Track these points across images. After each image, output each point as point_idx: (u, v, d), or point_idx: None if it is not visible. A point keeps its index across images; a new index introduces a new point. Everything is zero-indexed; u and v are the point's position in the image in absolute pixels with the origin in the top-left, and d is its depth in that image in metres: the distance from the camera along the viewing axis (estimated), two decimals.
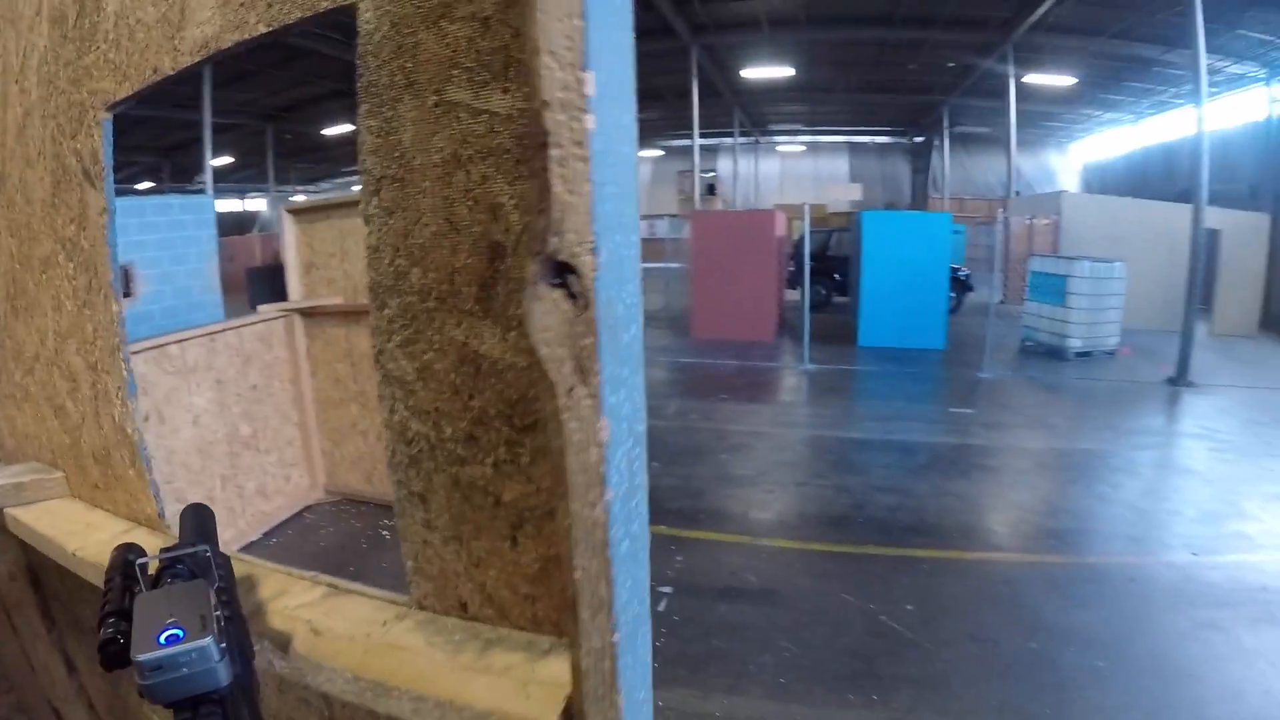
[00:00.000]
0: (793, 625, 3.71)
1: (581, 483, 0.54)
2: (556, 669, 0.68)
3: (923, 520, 4.96)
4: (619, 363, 0.54)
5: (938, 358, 10.30)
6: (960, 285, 13.70)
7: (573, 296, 0.50)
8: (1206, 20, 9.15)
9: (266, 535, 4.94)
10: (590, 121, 0.48)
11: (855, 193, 23.16)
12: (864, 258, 10.85)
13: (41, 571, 1.44)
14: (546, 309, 0.50)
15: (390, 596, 0.85)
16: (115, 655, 0.65)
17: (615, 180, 0.52)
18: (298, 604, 0.85)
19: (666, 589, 4.07)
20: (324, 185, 31.46)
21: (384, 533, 4.65)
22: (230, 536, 4.64)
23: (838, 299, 13.88)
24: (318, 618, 0.82)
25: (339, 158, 27.87)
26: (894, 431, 6.91)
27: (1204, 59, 9.21)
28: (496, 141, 0.62)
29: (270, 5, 0.77)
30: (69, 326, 1.15)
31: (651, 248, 18.66)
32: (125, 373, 1.07)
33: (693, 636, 3.64)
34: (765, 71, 18.91)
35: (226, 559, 0.77)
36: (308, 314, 4.83)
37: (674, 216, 22.72)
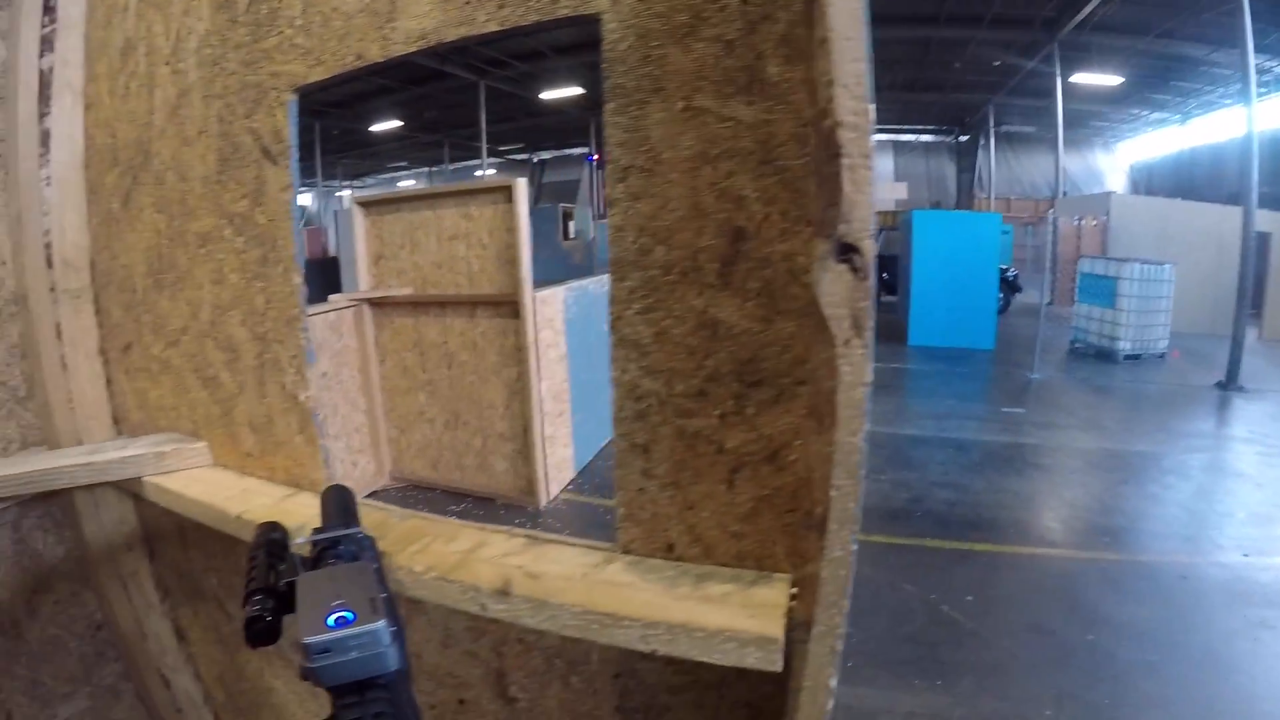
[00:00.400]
0: (856, 612, 3.82)
1: (848, 416, 0.72)
2: (768, 594, 0.86)
3: (979, 515, 5.26)
4: (873, 321, 0.73)
5: (987, 358, 10.79)
6: (1008, 286, 14.17)
7: (855, 270, 0.68)
8: (1254, 20, 9.54)
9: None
10: (872, 139, 0.67)
11: (901, 191, 23.90)
12: (914, 257, 11.38)
13: (157, 542, 1.61)
14: (834, 278, 0.68)
15: (591, 544, 1.02)
16: (262, 632, 0.71)
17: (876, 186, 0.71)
18: (502, 553, 1.00)
19: None
20: (369, 181, 32.08)
21: (451, 519, 4.87)
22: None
23: (886, 298, 14.27)
24: (528, 563, 0.97)
25: (385, 154, 29.06)
26: (948, 429, 7.30)
27: (1252, 59, 9.56)
28: (741, 144, 0.81)
29: (502, 5, 0.94)
30: (232, 299, 1.31)
31: None
32: (303, 341, 1.24)
33: None
34: None
35: (373, 541, 0.87)
36: (377, 304, 5.15)
37: None
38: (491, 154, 26.01)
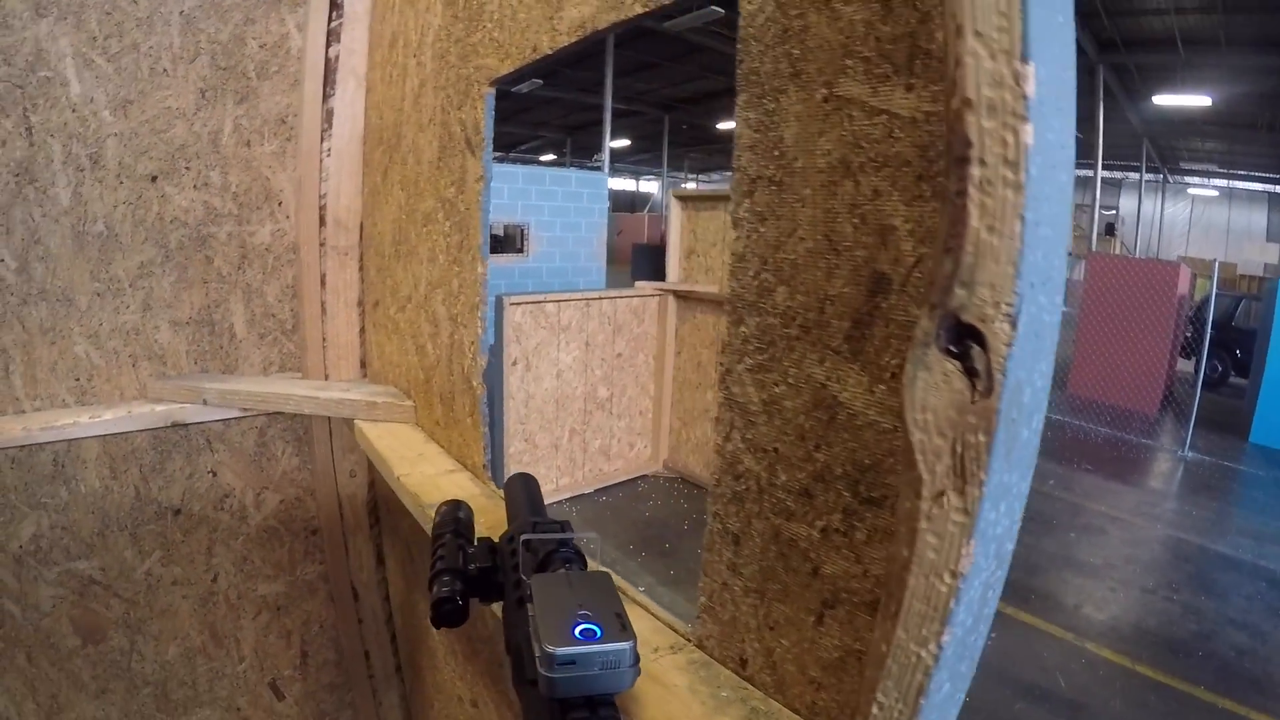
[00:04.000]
0: None
1: (918, 612, 0.44)
2: None
3: (1270, 676, 4.00)
4: (1009, 467, 0.43)
5: None
6: None
7: (971, 373, 0.40)
8: None
9: (599, 492, 5.52)
10: (1029, 133, 0.37)
11: (1272, 254, 19.28)
12: (1275, 335, 8.85)
13: (378, 475, 1.71)
14: (933, 383, 0.40)
15: (672, 621, 0.83)
16: (450, 614, 0.70)
17: (1049, 220, 0.41)
18: None
19: None
20: (714, 176, 34.01)
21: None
22: (565, 484, 5.35)
23: (1234, 379, 11.55)
24: None
25: (730, 151, 30.16)
26: (1268, 556, 5.64)
27: None
28: (895, 150, 0.54)
29: None
30: (439, 278, 1.30)
31: None
32: (480, 330, 1.18)
33: None
34: (1178, 99, 16.21)
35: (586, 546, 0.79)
36: (682, 296, 5.26)
37: (1068, 255, 20.81)
38: None
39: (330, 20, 1.52)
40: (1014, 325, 0.38)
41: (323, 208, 1.58)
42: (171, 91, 1.46)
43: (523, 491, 0.85)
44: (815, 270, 0.60)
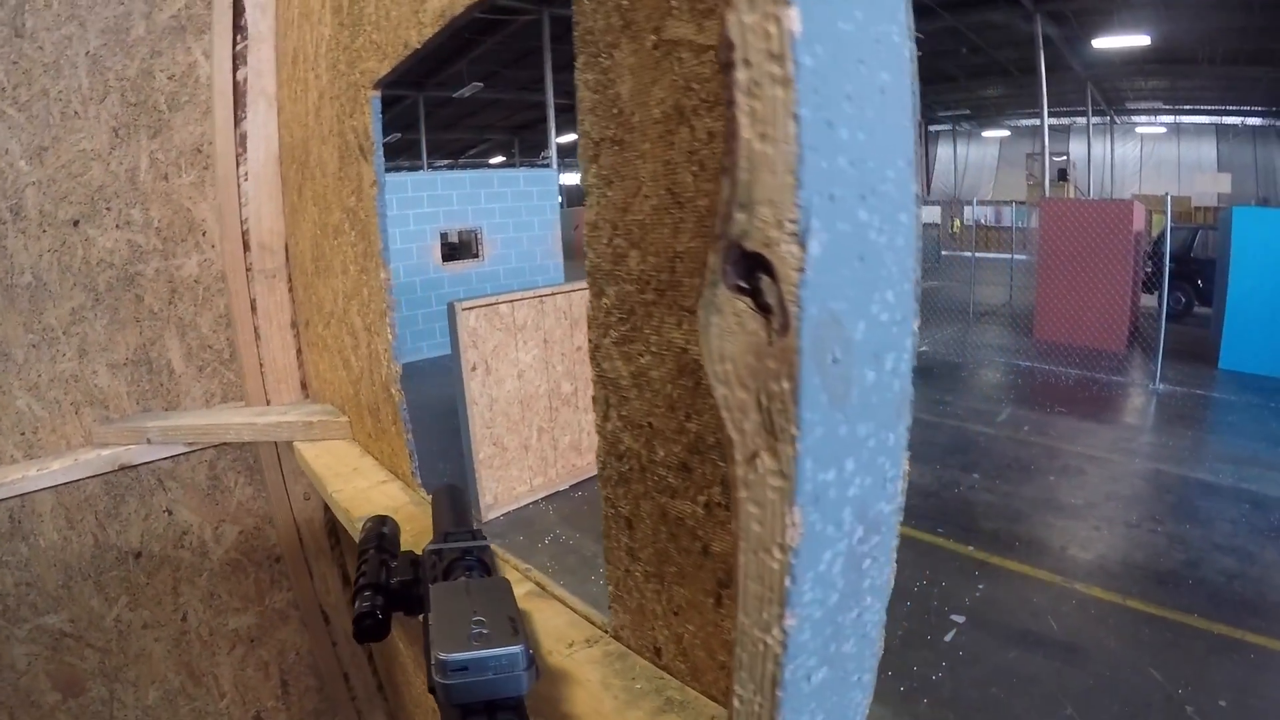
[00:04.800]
0: (1085, 692, 3.23)
1: (755, 593, 0.39)
2: None
3: (1263, 597, 3.98)
4: (848, 418, 0.37)
5: None
6: None
7: (764, 309, 0.34)
8: None
9: (574, 487, 5.47)
10: (793, 18, 0.31)
11: (1224, 184, 19.37)
12: (1234, 263, 8.87)
13: None
14: (727, 327, 0.35)
15: (589, 614, 0.78)
16: (370, 629, 0.68)
17: (853, 121, 0.35)
18: None
19: (959, 618, 3.79)
20: None
21: None
22: (540, 483, 5.26)
23: (1199, 309, 11.58)
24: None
25: None
26: (1249, 479, 5.61)
27: None
28: None
29: None
30: (352, 289, 1.25)
31: (998, 236, 17.92)
32: (390, 337, 1.13)
33: (973, 679, 3.32)
34: (1118, 41, 16.17)
35: (494, 552, 0.77)
36: None
37: (1021, 204, 20.80)
38: None
39: (235, 44, 1.47)
40: (803, 245, 0.32)
41: (245, 233, 1.53)
42: (85, 134, 1.41)
43: (446, 502, 0.84)
44: (662, 228, 0.55)
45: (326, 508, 1.66)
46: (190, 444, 1.47)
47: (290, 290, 1.58)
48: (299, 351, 1.62)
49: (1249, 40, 15.46)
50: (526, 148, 28.21)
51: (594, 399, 0.66)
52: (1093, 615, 3.86)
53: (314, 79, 1.28)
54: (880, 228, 0.37)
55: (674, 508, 0.60)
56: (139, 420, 1.45)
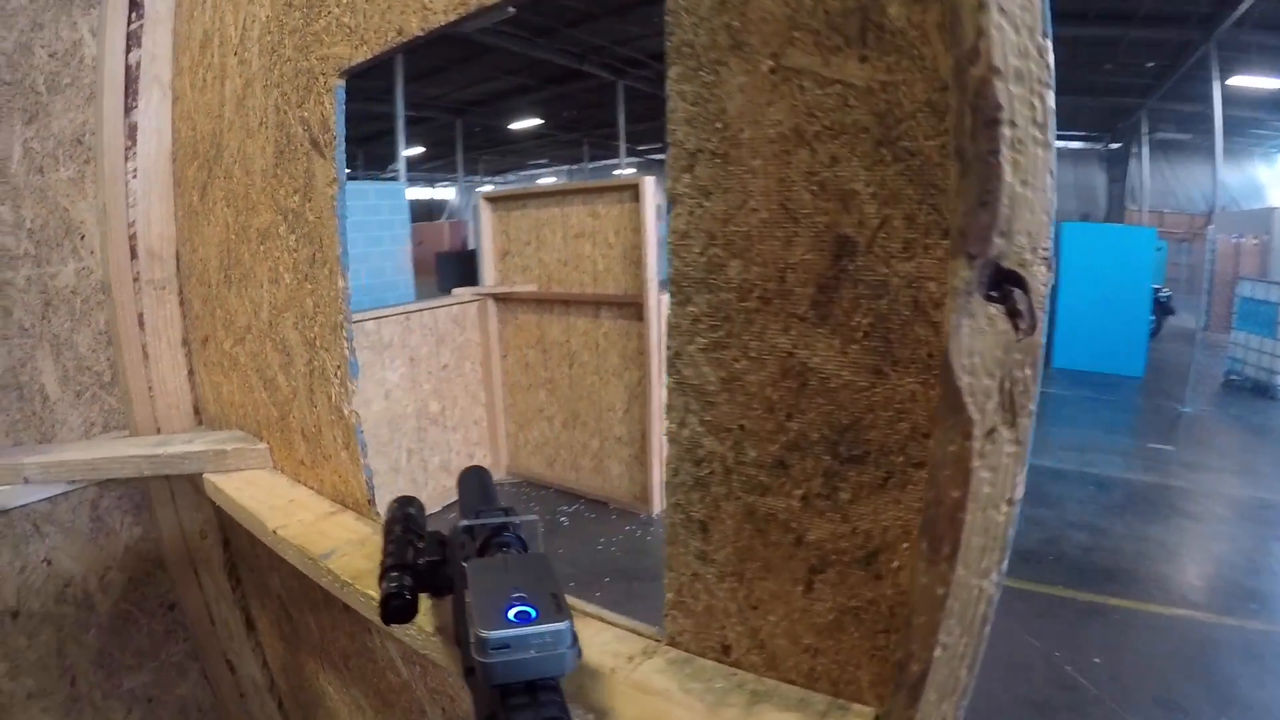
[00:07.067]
0: None
1: (978, 546, 0.45)
2: None
3: (1117, 565, 4.60)
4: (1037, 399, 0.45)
5: (1135, 386, 9.60)
6: (1161, 308, 12.65)
7: (1014, 315, 0.41)
8: None
9: (447, 509, 5.17)
10: (1051, 98, 0.41)
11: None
12: (1062, 273, 10.23)
13: (231, 531, 1.52)
14: (978, 328, 0.41)
15: (634, 626, 0.78)
16: (398, 610, 0.66)
17: (1053, 178, 0.44)
18: None
19: None
20: (510, 177, 33.15)
21: (562, 519, 4.84)
22: None
23: None
24: None
25: (524, 151, 29.29)
26: (1090, 464, 6.48)
27: None
28: (851, 118, 0.54)
29: None
30: (286, 300, 1.16)
31: None
32: (347, 352, 1.06)
33: None
34: None
35: (538, 527, 0.74)
36: (501, 299, 5.07)
37: None
38: (630, 153, 25.64)
39: (130, 23, 1.31)
40: (1050, 268, 0.40)
41: (133, 237, 1.36)
42: None
43: (476, 482, 0.81)
44: (772, 240, 0.59)
45: (226, 545, 1.51)
46: (73, 482, 1.28)
47: (182, 304, 1.44)
48: (191, 372, 1.47)
49: (1073, 74, 17.93)
50: (371, 160, 27.01)
51: (669, 406, 0.68)
52: None
53: (237, 64, 1.18)
54: (1050, 256, 0.44)
55: (764, 505, 0.63)
56: (12, 455, 1.24)
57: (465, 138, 24.93)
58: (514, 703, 0.50)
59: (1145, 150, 22.79)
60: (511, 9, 0.79)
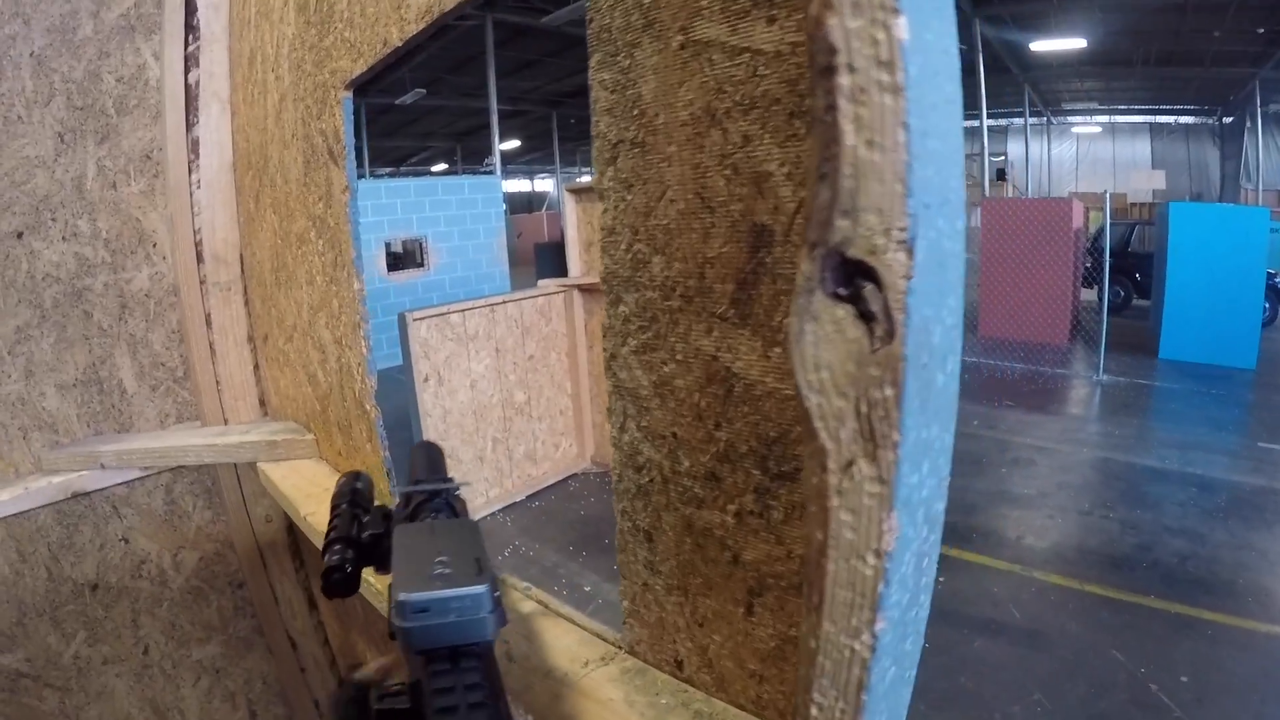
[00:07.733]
0: (1051, 676, 3.32)
1: (844, 601, 0.39)
2: None
3: (1215, 575, 4.15)
4: (927, 421, 0.38)
5: (1246, 379, 8.59)
6: (1276, 294, 11.20)
7: (867, 317, 0.34)
8: None
9: (530, 497, 5.36)
10: (902, 27, 0.32)
11: (1158, 181, 20.33)
12: (1170, 256, 9.30)
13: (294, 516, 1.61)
14: (824, 335, 0.35)
15: (601, 630, 0.76)
16: (340, 583, 0.65)
17: (938, 132, 0.35)
18: None
19: None
20: None
21: None
22: (496, 495, 5.18)
23: (1138, 301, 12.09)
24: (517, 641, 0.76)
25: None
26: (1193, 463, 5.86)
27: None
28: (762, 89, 0.48)
29: None
30: (319, 300, 1.21)
31: None
32: (365, 350, 1.09)
33: (941, 670, 3.37)
34: (1055, 44, 16.79)
35: (464, 502, 0.74)
36: (587, 290, 5.13)
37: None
38: None
39: (187, 44, 1.41)
40: (910, 253, 0.32)
41: (199, 243, 1.46)
42: (28, 139, 1.34)
43: (423, 455, 0.81)
44: (690, 233, 0.54)
45: (290, 529, 1.60)
46: (146, 468, 1.40)
47: (246, 303, 1.53)
48: (256, 367, 1.56)
49: (1181, 42, 16.23)
50: (469, 154, 27.95)
51: (609, 410, 0.65)
52: (1052, 601, 3.97)
53: (274, 80, 1.24)
54: (950, 235, 0.37)
55: (700, 518, 0.59)
56: (91, 444, 1.38)
57: (561, 129, 25.16)
58: (436, 669, 0.48)
59: (1259, 124, 20.25)
60: None
